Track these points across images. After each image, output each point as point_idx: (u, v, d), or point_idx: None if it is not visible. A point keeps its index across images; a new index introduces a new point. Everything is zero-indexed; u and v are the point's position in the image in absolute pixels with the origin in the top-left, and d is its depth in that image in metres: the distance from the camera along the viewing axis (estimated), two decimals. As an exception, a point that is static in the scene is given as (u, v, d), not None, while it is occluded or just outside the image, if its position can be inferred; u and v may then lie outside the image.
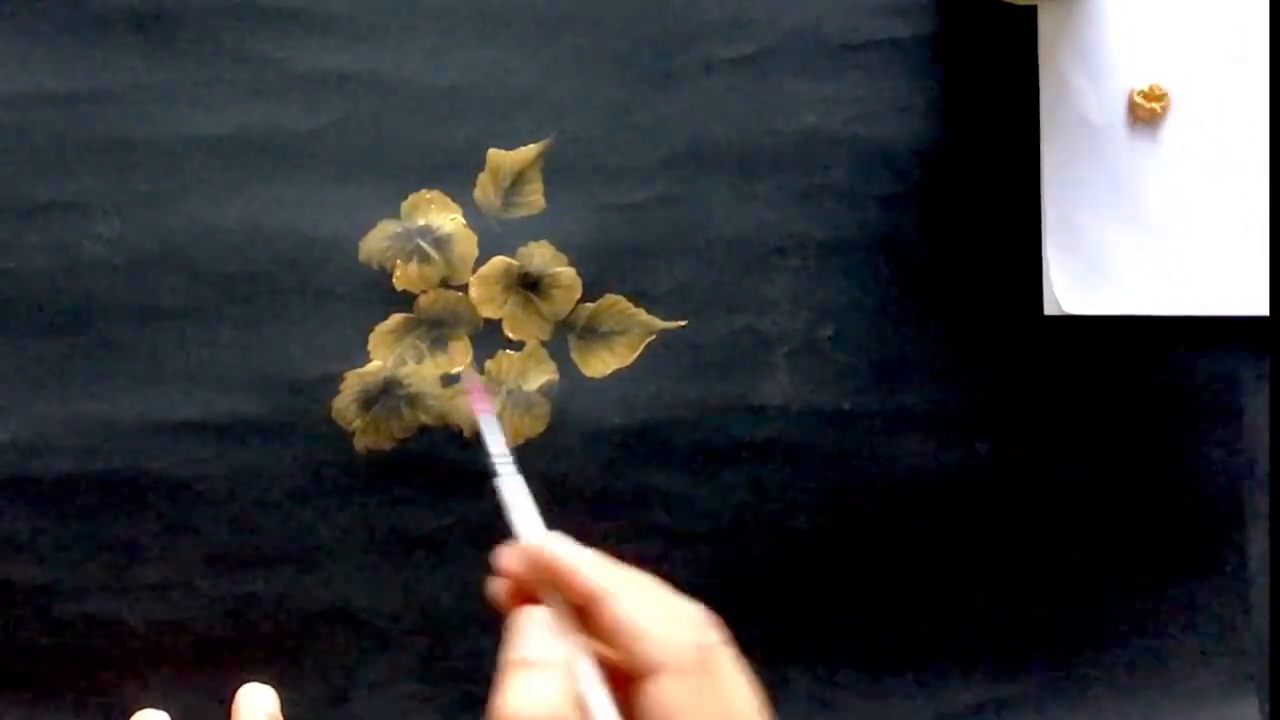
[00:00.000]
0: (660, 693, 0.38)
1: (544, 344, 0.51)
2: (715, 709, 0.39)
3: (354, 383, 0.50)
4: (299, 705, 0.50)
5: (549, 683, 0.38)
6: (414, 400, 0.50)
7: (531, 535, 0.41)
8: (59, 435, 0.49)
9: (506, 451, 0.43)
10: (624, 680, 0.39)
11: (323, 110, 0.50)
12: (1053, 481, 0.53)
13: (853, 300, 0.52)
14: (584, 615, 0.40)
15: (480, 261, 0.51)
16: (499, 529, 0.51)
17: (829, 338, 0.52)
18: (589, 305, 0.51)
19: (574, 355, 0.51)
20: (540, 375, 0.51)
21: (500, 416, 0.50)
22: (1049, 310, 0.52)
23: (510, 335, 0.51)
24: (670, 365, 0.51)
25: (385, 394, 0.50)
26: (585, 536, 0.51)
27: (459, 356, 0.51)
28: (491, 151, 0.51)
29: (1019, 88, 0.53)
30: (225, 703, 0.50)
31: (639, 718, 0.38)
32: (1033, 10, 0.52)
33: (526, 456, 0.51)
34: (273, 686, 0.50)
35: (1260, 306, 0.53)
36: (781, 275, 0.52)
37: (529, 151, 0.51)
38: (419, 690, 0.51)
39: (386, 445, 0.50)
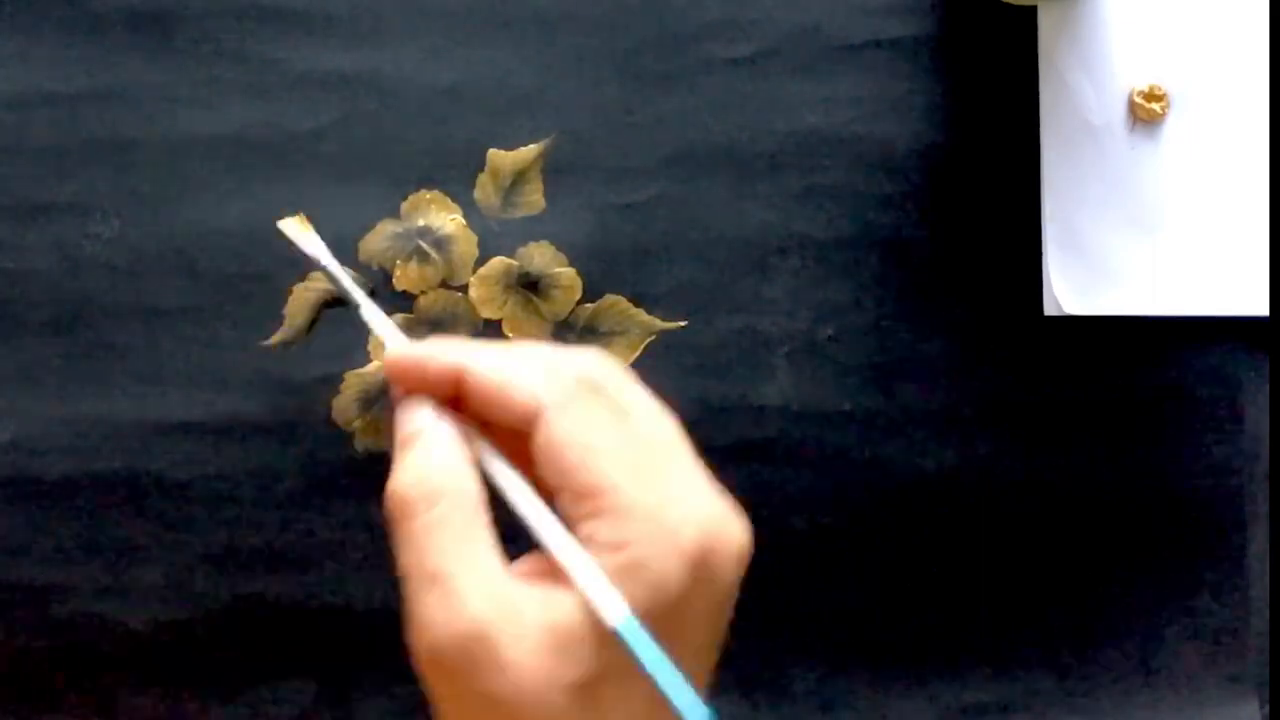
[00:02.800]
0: (544, 432, 0.34)
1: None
2: (614, 435, 0.34)
3: (354, 383, 0.50)
4: (299, 705, 0.50)
5: (433, 447, 0.35)
6: (414, 400, 0.50)
7: (396, 345, 0.38)
8: (59, 435, 0.49)
9: (357, 286, 0.41)
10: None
11: (323, 110, 0.50)
12: (1053, 481, 0.53)
13: (853, 300, 0.52)
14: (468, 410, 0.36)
15: (480, 262, 0.51)
16: (498, 523, 0.51)
17: (829, 338, 0.52)
18: (589, 306, 0.51)
19: (574, 355, 0.51)
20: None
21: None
22: (1049, 310, 0.52)
23: (510, 336, 0.51)
24: (670, 365, 0.51)
25: (385, 394, 0.50)
26: (585, 536, 0.51)
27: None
28: (491, 151, 0.51)
29: (1019, 88, 0.53)
30: (225, 703, 0.50)
31: (538, 475, 0.34)
32: (1033, 10, 0.52)
33: (526, 456, 0.51)
34: (272, 686, 0.50)
35: (1260, 306, 0.53)
36: (781, 275, 0.52)
37: (529, 151, 0.51)
38: (419, 690, 0.51)
39: (386, 445, 0.50)
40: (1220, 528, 0.54)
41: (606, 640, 0.33)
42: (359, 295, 0.40)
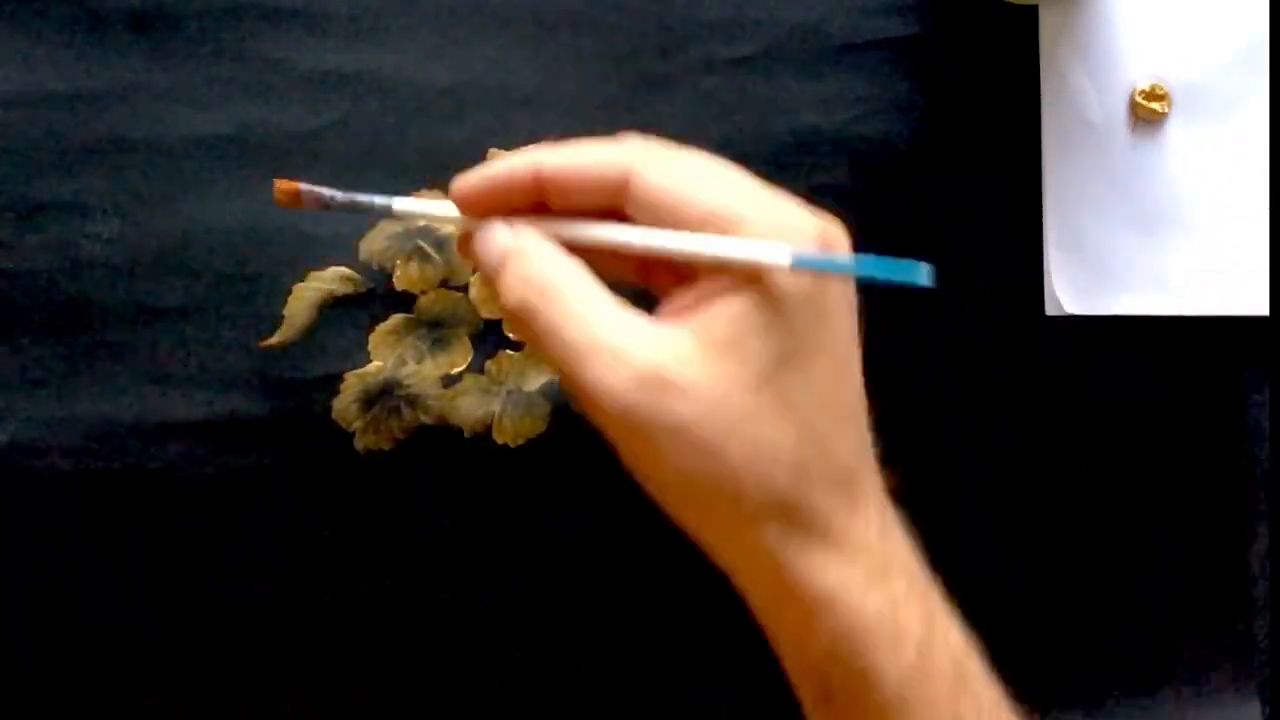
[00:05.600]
0: (641, 184, 0.35)
1: (544, 344, 0.51)
2: (709, 169, 0.36)
3: (354, 383, 0.50)
4: (298, 706, 0.50)
5: (527, 253, 0.36)
6: (414, 400, 0.50)
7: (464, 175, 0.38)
8: (59, 435, 0.49)
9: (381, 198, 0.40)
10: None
11: (323, 110, 0.50)
12: (1053, 481, 0.53)
13: (853, 300, 0.52)
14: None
15: (480, 261, 0.51)
16: (499, 522, 0.51)
17: (829, 338, 0.52)
18: (589, 305, 0.51)
19: (574, 355, 0.51)
20: (540, 375, 0.51)
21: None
22: (1050, 310, 0.52)
23: (510, 335, 0.51)
24: (670, 365, 0.51)
25: (385, 394, 0.50)
26: (585, 537, 0.51)
27: (459, 357, 0.51)
28: (491, 152, 0.51)
29: (1019, 88, 0.52)
30: (226, 705, 0.50)
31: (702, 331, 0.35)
32: (1033, 10, 0.52)
33: (527, 456, 0.51)
34: (272, 687, 0.50)
35: (1260, 306, 0.53)
36: (781, 275, 0.52)
37: (529, 151, 0.51)
38: (419, 690, 0.51)
39: (386, 445, 0.50)
40: (1220, 528, 0.54)
41: (774, 325, 0.35)
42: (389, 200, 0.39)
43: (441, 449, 0.51)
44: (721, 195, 0.36)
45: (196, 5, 0.50)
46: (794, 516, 0.35)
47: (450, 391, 0.51)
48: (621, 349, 0.34)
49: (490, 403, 0.51)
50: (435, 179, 0.51)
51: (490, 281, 0.37)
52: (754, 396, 0.35)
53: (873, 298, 0.52)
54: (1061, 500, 0.53)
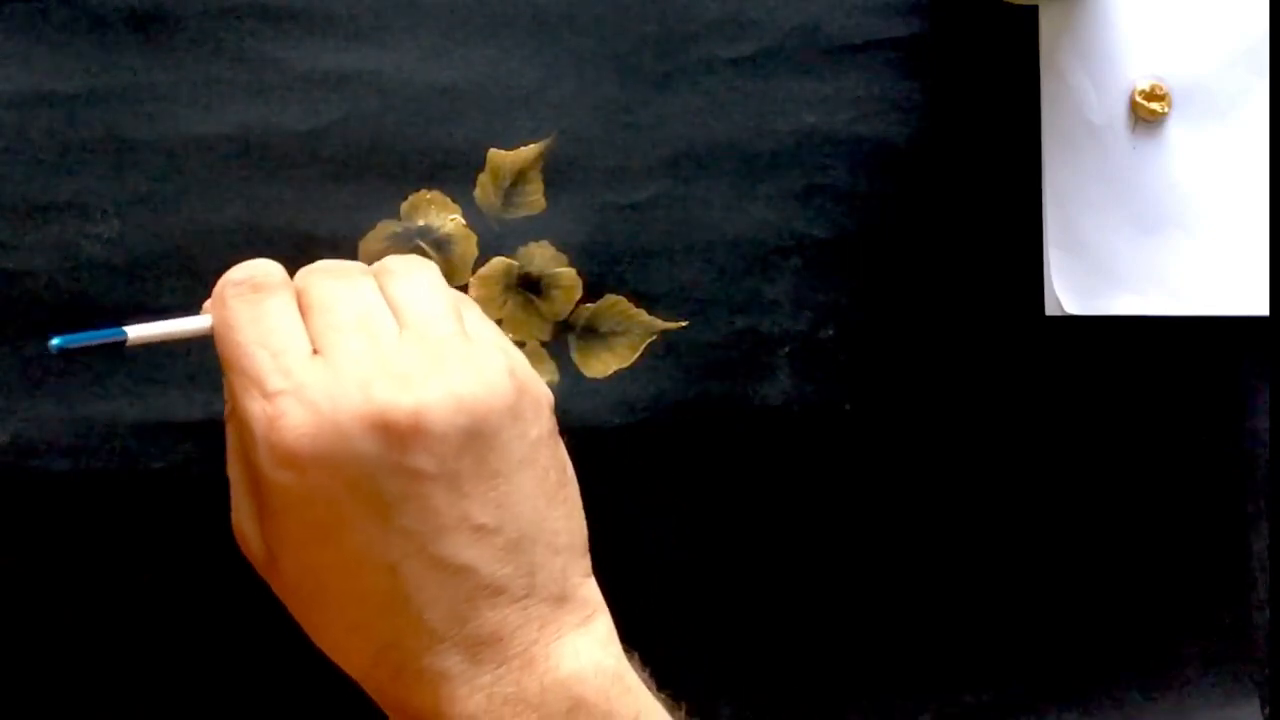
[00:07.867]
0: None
1: (544, 344, 0.51)
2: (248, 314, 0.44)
3: (354, 383, 0.50)
4: (299, 706, 0.50)
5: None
6: (414, 400, 0.50)
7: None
8: (59, 435, 0.49)
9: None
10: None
11: (323, 110, 0.50)
12: (1053, 482, 0.53)
13: (853, 300, 0.52)
14: None
15: (480, 262, 0.51)
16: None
17: (829, 338, 0.52)
18: (589, 306, 0.51)
19: (574, 355, 0.51)
20: (540, 376, 0.51)
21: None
22: (1050, 310, 0.52)
23: (510, 336, 0.51)
24: (670, 365, 0.51)
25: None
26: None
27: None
28: (491, 151, 0.51)
29: (1019, 88, 0.52)
30: (227, 708, 0.50)
31: None
32: (1033, 10, 0.52)
33: (526, 456, 0.51)
34: (276, 686, 0.50)
35: (1260, 306, 0.52)
36: (781, 275, 0.52)
37: (529, 151, 0.51)
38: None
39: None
40: (1220, 528, 0.54)
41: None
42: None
43: (441, 449, 0.50)
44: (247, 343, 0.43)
45: (196, 5, 0.50)
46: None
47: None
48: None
49: (490, 403, 0.51)
50: (435, 179, 0.51)
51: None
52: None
53: (874, 297, 0.52)
54: (1061, 500, 0.53)
